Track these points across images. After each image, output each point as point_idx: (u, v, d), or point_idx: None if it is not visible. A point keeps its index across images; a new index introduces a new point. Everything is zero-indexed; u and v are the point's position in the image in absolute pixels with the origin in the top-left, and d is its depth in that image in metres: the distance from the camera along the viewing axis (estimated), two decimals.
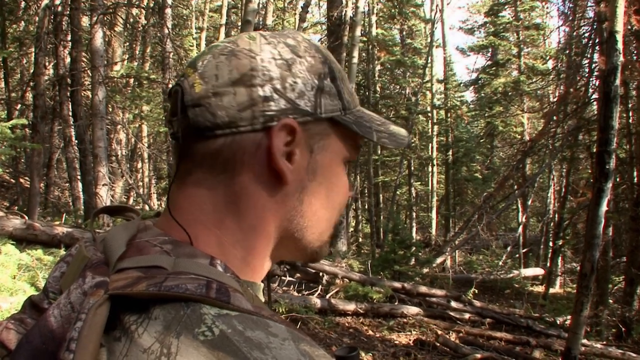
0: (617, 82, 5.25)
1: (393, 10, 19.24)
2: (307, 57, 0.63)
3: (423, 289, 8.65)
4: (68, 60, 10.09)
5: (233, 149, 0.59)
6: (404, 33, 22.56)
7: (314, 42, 0.67)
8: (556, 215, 14.89)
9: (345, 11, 11.06)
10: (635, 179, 9.49)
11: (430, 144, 20.31)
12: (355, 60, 11.28)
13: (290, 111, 0.60)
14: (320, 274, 8.06)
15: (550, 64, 19.83)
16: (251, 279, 0.62)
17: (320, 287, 7.98)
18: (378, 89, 20.52)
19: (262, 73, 0.59)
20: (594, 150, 8.10)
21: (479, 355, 6.34)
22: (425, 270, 11.35)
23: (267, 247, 0.63)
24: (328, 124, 0.64)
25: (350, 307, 7.48)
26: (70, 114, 9.91)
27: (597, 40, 9.44)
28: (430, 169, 20.55)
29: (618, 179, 10.42)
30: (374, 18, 18.84)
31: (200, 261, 0.54)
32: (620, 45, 5.22)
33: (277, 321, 0.48)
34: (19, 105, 12.80)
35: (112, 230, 0.60)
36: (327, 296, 7.68)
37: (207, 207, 0.60)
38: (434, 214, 20.11)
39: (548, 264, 14.07)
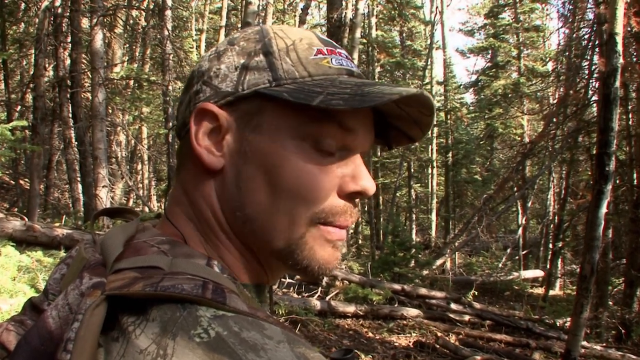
0: (617, 84, 5.26)
1: (393, 12, 19.22)
2: (241, 42, 0.63)
3: (423, 290, 8.66)
4: (68, 61, 10.10)
5: (182, 147, 0.64)
6: (404, 35, 22.59)
7: (267, 28, 0.65)
8: (556, 217, 14.87)
9: (345, 13, 11.07)
10: (635, 181, 9.48)
11: (430, 146, 20.31)
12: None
13: (212, 97, 0.61)
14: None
15: (550, 66, 19.85)
16: (241, 279, 0.61)
17: (320, 289, 7.97)
18: None
19: (197, 72, 0.64)
20: (594, 152, 8.09)
21: (478, 357, 6.34)
22: (425, 272, 11.35)
23: (234, 243, 0.61)
24: (260, 100, 0.59)
25: (350, 309, 7.48)
26: (70, 115, 9.92)
27: (596, 42, 9.44)
28: (430, 170, 20.55)
29: (618, 181, 10.41)
30: (373, 20, 18.87)
31: (197, 261, 0.55)
32: (620, 47, 5.23)
33: (273, 323, 0.47)
34: (19, 107, 12.80)
35: (109, 231, 0.60)
36: (327, 298, 7.68)
37: (179, 204, 0.63)
38: (433, 216, 20.11)
39: (548, 266, 14.05)
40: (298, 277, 7.92)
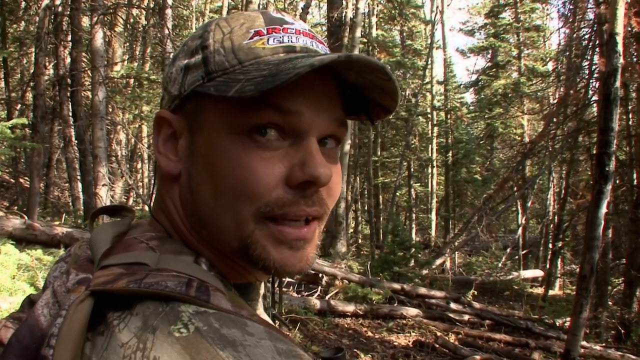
0: (617, 84, 5.26)
1: (393, 12, 19.22)
2: (189, 42, 0.62)
3: (422, 290, 8.66)
4: (68, 60, 10.09)
5: None
6: (404, 34, 22.58)
7: (213, 20, 0.63)
8: (556, 217, 14.87)
9: (346, 12, 11.07)
10: (635, 181, 9.48)
11: (430, 146, 20.31)
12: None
13: (167, 103, 0.62)
14: (320, 275, 8.06)
15: (550, 66, 19.83)
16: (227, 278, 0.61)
17: (319, 288, 7.98)
18: None
19: (163, 79, 0.65)
20: (594, 152, 8.09)
21: (478, 357, 6.34)
22: (424, 271, 11.35)
23: (201, 244, 0.60)
24: (198, 99, 0.58)
25: (350, 308, 7.48)
26: (70, 114, 9.92)
27: (597, 42, 9.43)
28: (430, 170, 20.56)
29: (618, 181, 10.41)
30: (374, 19, 18.84)
31: (184, 258, 0.55)
32: (620, 47, 5.23)
33: (256, 321, 0.47)
34: (19, 105, 12.80)
35: (98, 228, 0.60)
36: (327, 297, 7.68)
37: (159, 205, 0.64)
38: (433, 216, 20.11)
39: (547, 266, 14.05)
40: (298, 276, 7.92)
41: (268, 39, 0.58)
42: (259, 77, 0.52)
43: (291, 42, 0.58)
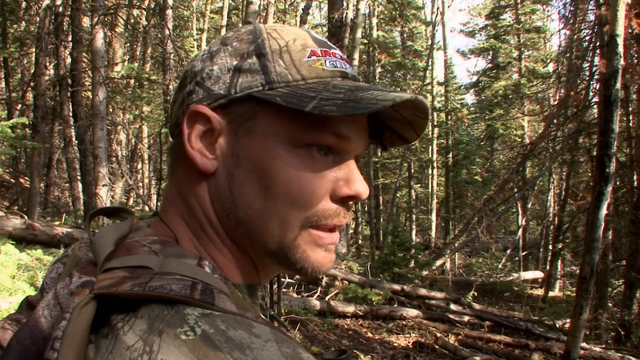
0: (618, 85, 5.25)
1: (394, 13, 19.23)
2: (233, 42, 0.62)
3: (422, 291, 8.65)
4: (69, 60, 10.10)
5: (175, 147, 0.64)
6: (405, 35, 22.61)
7: (260, 27, 0.64)
8: (556, 219, 14.86)
9: (346, 13, 11.06)
10: (636, 183, 9.47)
11: (431, 147, 20.32)
12: (355, 62, 11.30)
13: (204, 99, 0.61)
14: (320, 275, 8.06)
15: (550, 67, 19.87)
16: (232, 279, 0.61)
17: (319, 288, 7.98)
18: None
19: (190, 72, 0.63)
20: (594, 153, 8.09)
21: (478, 358, 6.33)
22: (424, 272, 11.34)
23: (226, 244, 0.61)
24: (253, 103, 0.59)
25: (350, 309, 7.48)
26: (71, 114, 9.92)
27: (597, 44, 9.43)
28: (430, 171, 20.56)
29: (618, 183, 10.41)
30: (374, 20, 18.86)
31: (187, 261, 0.55)
32: (620, 49, 5.22)
33: (262, 323, 0.48)
34: (20, 105, 12.80)
35: (101, 230, 0.60)
36: (327, 298, 7.67)
37: (172, 204, 0.64)
38: (433, 217, 20.11)
39: (547, 267, 14.05)
40: (297, 277, 7.92)
41: (325, 61, 0.62)
42: (337, 99, 0.56)
43: (342, 67, 0.63)
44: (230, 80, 0.60)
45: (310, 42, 0.63)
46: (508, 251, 16.41)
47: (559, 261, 14.52)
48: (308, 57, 0.61)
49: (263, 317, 0.50)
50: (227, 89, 0.60)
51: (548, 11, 22.57)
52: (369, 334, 7.03)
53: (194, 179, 0.62)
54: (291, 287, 7.95)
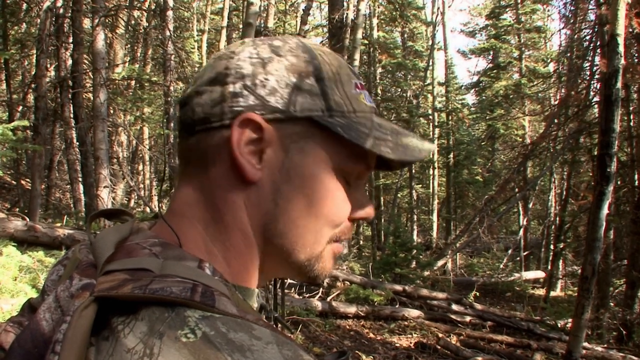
0: (619, 85, 5.25)
1: (394, 13, 19.23)
2: (288, 56, 0.62)
3: (424, 291, 8.65)
4: (69, 62, 10.11)
5: (205, 145, 0.61)
6: (405, 36, 22.60)
7: (308, 44, 0.65)
8: (557, 218, 14.85)
9: (347, 14, 11.07)
10: (637, 182, 9.47)
11: None
12: (356, 63, 11.30)
13: (258, 107, 0.60)
14: None
15: (551, 67, 19.87)
16: (238, 282, 0.61)
17: (321, 289, 7.97)
18: (379, 91, 20.52)
19: (235, 71, 0.61)
20: (595, 153, 8.08)
21: (479, 358, 6.33)
22: (426, 273, 11.34)
23: (249, 250, 0.62)
24: (309, 125, 0.61)
25: (351, 309, 7.47)
26: (72, 116, 9.92)
27: (598, 43, 9.44)
28: (431, 171, 20.54)
29: (619, 182, 10.40)
30: (375, 21, 18.85)
31: (188, 264, 0.54)
32: (621, 48, 5.22)
33: (262, 325, 0.48)
34: (21, 107, 12.81)
35: (102, 232, 0.60)
36: (328, 299, 7.67)
37: (191, 204, 0.62)
38: (435, 217, 20.09)
39: (549, 267, 14.02)
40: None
41: (365, 96, 0.66)
42: (388, 141, 0.63)
43: (373, 104, 0.68)
44: (289, 97, 0.60)
45: (351, 72, 0.66)
46: (509, 251, 16.39)
47: (561, 261, 14.50)
48: (354, 89, 0.65)
49: (264, 319, 0.50)
50: (285, 105, 0.60)
51: (548, 11, 22.59)
52: (371, 335, 7.03)
53: (231, 183, 0.61)
54: (293, 288, 7.95)
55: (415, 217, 21.49)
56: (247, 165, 0.59)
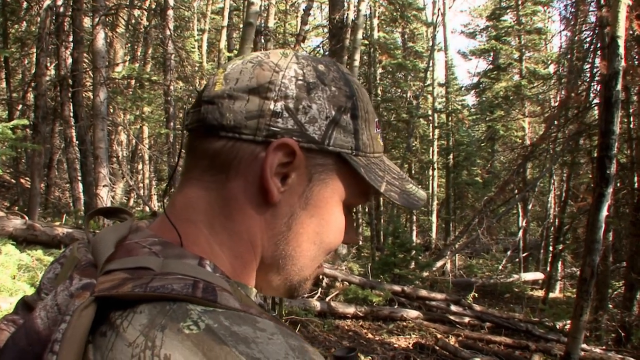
0: (619, 87, 5.25)
1: (395, 14, 19.24)
2: (332, 86, 0.62)
3: (423, 292, 8.64)
4: (69, 61, 10.10)
5: (231, 154, 0.60)
6: (406, 36, 22.60)
7: (349, 77, 0.65)
8: (556, 220, 14.87)
9: (347, 14, 11.06)
10: (636, 184, 9.48)
11: (431, 148, 20.30)
12: (356, 63, 11.29)
13: (296, 133, 0.59)
14: (320, 276, 8.06)
15: (551, 69, 19.89)
16: (238, 279, 0.61)
17: (319, 289, 7.96)
18: (379, 92, 20.52)
19: (279, 88, 0.60)
20: (595, 155, 8.09)
21: (478, 359, 6.33)
22: (425, 273, 11.33)
23: (253, 260, 0.62)
24: (335, 159, 0.62)
25: (350, 310, 7.47)
26: (72, 114, 9.92)
27: (598, 45, 9.45)
28: (430, 172, 20.54)
29: (619, 184, 10.41)
30: (375, 21, 18.85)
31: (188, 262, 0.54)
32: (621, 50, 5.22)
33: (266, 318, 0.47)
34: (20, 106, 12.81)
35: (101, 232, 0.60)
36: (327, 299, 7.67)
37: (200, 207, 0.61)
38: (434, 218, 20.10)
39: (548, 269, 14.04)
40: None
41: (380, 137, 0.70)
42: (396, 186, 0.67)
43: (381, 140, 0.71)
44: (326, 130, 0.61)
45: (372, 108, 0.68)
46: (508, 252, 16.39)
47: (560, 262, 14.52)
48: (376, 129, 0.68)
49: (267, 313, 0.50)
50: (321, 137, 0.61)
51: (549, 12, 22.55)
52: (370, 335, 7.03)
53: (251, 199, 0.61)
54: None
55: (414, 217, 21.49)
56: (274, 188, 0.60)
